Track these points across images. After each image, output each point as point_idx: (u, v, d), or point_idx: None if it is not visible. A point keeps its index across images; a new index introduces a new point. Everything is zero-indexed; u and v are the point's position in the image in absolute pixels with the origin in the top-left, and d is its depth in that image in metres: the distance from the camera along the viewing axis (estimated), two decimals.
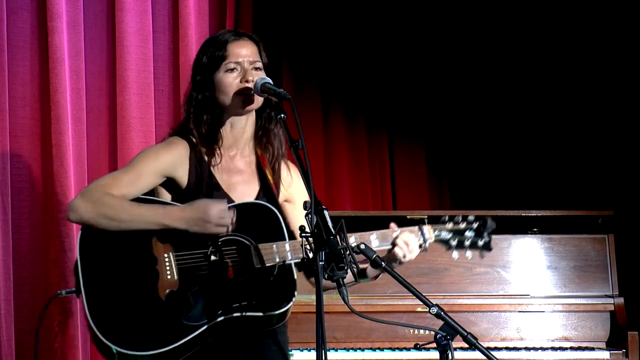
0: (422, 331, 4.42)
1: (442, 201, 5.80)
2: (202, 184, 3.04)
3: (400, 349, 4.40)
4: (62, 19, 4.24)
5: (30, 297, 4.16)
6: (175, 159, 3.05)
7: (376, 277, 3.06)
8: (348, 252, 2.66)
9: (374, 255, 2.84)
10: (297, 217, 3.12)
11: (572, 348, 4.49)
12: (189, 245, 2.94)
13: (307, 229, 2.68)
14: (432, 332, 2.74)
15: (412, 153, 5.76)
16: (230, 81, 3.05)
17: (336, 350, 4.38)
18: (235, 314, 2.90)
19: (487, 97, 5.70)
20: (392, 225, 3.10)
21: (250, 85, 3.02)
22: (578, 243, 4.67)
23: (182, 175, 3.05)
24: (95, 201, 2.94)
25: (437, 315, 2.76)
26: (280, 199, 3.16)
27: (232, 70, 3.06)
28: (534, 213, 4.75)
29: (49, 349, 4.15)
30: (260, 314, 2.91)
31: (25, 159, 4.22)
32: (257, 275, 2.94)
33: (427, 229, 3.12)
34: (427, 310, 2.76)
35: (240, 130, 3.12)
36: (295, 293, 2.95)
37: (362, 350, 4.40)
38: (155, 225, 2.93)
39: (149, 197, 3.03)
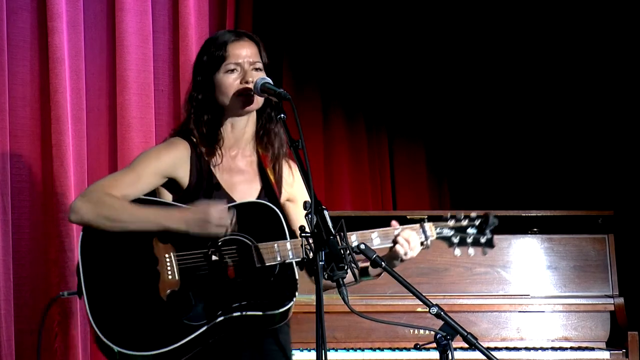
0: (422, 331, 4.42)
1: (442, 201, 5.79)
2: (203, 184, 3.04)
3: (400, 349, 4.40)
4: (62, 19, 4.24)
5: (30, 297, 4.16)
6: (176, 160, 3.05)
7: (378, 275, 3.06)
8: (348, 252, 2.66)
9: (374, 255, 2.84)
10: (299, 216, 3.11)
11: (572, 348, 4.49)
12: (189, 245, 2.94)
13: (307, 229, 2.68)
14: (432, 332, 2.74)
15: (412, 153, 5.76)
16: (231, 82, 3.05)
17: (336, 350, 4.38)
18: (235, 314, 2.90)
19: (486, 98, 5.70)
20: (394, 223, 3.09)
21: (250, 85, 3.02)
22: (578, 243, 4.67)
23: (183, 176, 3.05)
24: (95, 202, 2.94)
25: (437, 315, 2.76)
26: (283, 198, 3.16)
27: (232, 71, 3.06)
28: (534, 213, 4.75)
29: (49, 349, 4.15)
30: (260, 313, 2.90)
31: (25, 159, 4.21)
32: (258, 275, 2.94)
33: (428, 226, 3.10)
34: (427, 310, 2.77)
35: (240, 131, 3.12)
36: (297, 291, 2.95)
37: (362, 350, 4.40)
38: (155, 227, 2.93)
39: (150, 198, 3.03)
